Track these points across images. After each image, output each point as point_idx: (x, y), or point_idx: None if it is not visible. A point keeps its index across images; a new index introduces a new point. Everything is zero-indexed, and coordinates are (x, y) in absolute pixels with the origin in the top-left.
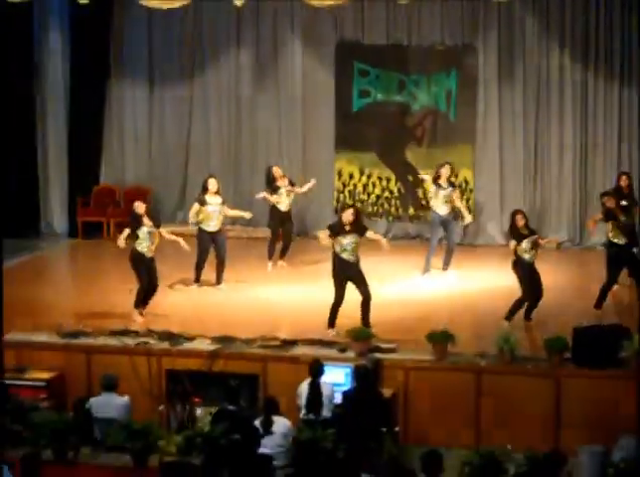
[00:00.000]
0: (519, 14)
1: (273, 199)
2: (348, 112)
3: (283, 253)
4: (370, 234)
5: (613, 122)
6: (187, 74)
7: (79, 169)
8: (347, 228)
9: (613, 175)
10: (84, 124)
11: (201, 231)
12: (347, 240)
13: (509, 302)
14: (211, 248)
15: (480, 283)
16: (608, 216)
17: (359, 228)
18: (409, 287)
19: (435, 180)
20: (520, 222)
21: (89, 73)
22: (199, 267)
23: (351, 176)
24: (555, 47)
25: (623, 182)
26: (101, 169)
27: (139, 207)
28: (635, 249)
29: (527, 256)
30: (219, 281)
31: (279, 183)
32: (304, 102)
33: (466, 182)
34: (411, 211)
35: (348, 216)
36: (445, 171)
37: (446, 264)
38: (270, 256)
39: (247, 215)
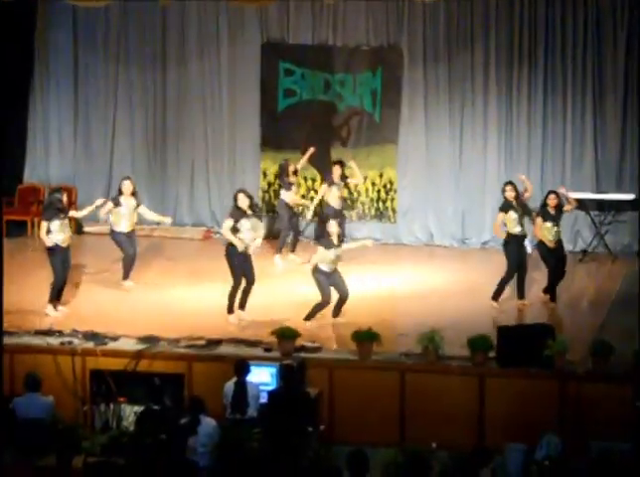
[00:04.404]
0: (443, 14)
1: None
2: (273, 112)
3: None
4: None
5: (537, 122)
6: (111, 73)
7: (2, 168)
8: (247, 212)
9: (537, 175)
10: (8, 123)
11: (114, 232)
12: (252, 223)
13: (432, 301)
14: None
15: (405, 283)
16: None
17: (255, 209)
18: None
19: (330, 178)
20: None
21: (14, 72)
22: (128, 264)
23: (276, 176)
24: (479, 47)
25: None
26: (25, 168)
27: (61, 199)
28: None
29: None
30: (126, 277)
31: (292, 179)
32: (230, 102)
33: (390, 182)
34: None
35: (244, 200)
36: (336, 170)
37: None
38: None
39: (168, 220)
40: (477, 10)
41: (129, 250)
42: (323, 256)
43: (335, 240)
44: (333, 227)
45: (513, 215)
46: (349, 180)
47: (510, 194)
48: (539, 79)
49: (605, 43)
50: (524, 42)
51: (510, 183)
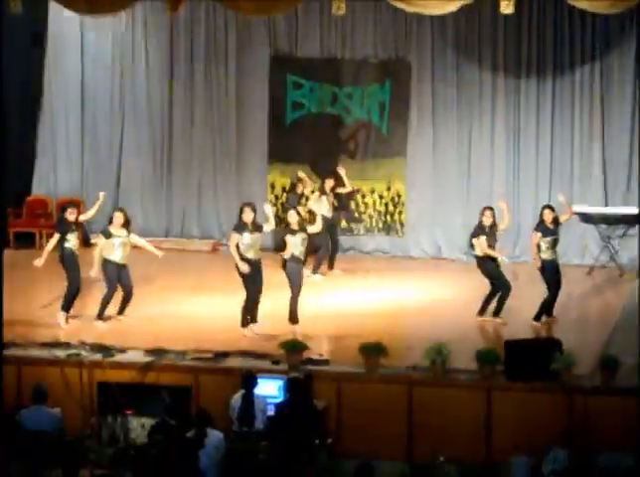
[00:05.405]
0: (451, 28)
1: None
2: (281, 125)
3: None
4: (265, 228)
5: (545, 137)
6: (119, 86)
7: (10, 179)
8: (250, 226)
9: (545, 189)
10: (17, 136)
11: (106, 261)
12: (252, 239)
13: (440, 314)
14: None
15: (413, 296)
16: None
17: (258, 226)
18: (341, 299)
19: (322, 188)
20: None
21: (23, 86)
22: (106, 301)
23: (284, 189)
24: (487, 60)
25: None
26: (34, 180)
27: (71, 214)
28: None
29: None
30: (121, 312)
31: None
32: (238, 114)
33: (399, 195)
34: (344, 223)
35: (248, 215)
36: (328, 182)
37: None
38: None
39: (159, 253)
40: (485, 23)
41: (112, 286)
42: (292, 243)
43: (296, 227)
44: (292, 216)
45: (547, 238)
46: (338, 189)
47: (548, 217)
48: (547, 91)
49: (613, 56)
50: (532, 55)
51: (548, 206)
